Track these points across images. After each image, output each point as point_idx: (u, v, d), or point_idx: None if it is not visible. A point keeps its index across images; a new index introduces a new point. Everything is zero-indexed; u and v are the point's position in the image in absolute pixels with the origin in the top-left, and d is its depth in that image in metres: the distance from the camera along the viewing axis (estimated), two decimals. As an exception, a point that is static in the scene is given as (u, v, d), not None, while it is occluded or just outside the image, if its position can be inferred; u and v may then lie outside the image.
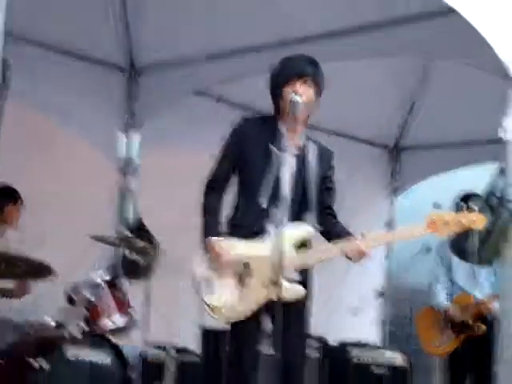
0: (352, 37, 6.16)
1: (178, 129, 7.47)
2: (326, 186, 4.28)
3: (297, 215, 4.14)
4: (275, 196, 3.88)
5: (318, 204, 4.19)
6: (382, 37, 6.02)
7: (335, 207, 4.37)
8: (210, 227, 4.17)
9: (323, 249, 4.13)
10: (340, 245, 4.08)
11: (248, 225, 4.11)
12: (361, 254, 4.05)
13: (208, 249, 4.12)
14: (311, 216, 4.16)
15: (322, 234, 4.23)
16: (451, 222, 4.01)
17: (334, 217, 4.30)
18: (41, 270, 5.60)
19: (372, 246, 4.08)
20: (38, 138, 6.76)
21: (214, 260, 4.10)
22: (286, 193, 3.98)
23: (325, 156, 4.29)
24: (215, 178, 4.27)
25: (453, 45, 5.55)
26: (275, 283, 3.75)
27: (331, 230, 4.21)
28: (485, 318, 6.37)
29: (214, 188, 4.26)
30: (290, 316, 3.91)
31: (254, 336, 4.08)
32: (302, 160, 4.19)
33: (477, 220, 4.04)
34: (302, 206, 4.16)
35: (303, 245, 4.11)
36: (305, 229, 4.12)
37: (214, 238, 4.12)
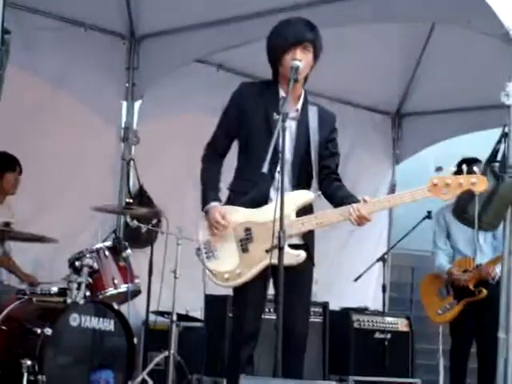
0: (353, 2, 6.12)
1: (179, 97, 7.46)
2: (330, 150, 4.24)
3: (298, 179, 4.13)
4: (276, 161, 3.86)
5: (321, 168, 4.18)
6: (383, 2, 5.99)
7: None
8: (208, 194, 4.17)
9: (324, 214, 4.11)
10: (341, 210, 4.07)
11: (249, 190, 4.10)
12: (362, 219, 4.03)
13: (207, 216, 4.12)
14: (313, 180, 4.15)
15: (327, 198, 4.21)
16: (452, 184, 3.98)
17: (339, 180, 4.25)
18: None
19: (373, 211, 4.06)
20: (38, 107, 6.75)
21: (213, 227, 4.10)
22: (287, 157, 3.98)
23: (326, 118, 4.26)
24: (214, 144, 4.26)
25: (455, 9, 5.52)
26: (276, 248, 3.74)
27: (335, 194, 4.17)
28: (486, 282, 6.39)
29: (212, 154, 4.25)
30: (292, 281, 3.92)
31: (256, 301, 4.09)
32: (302, 123, 4.16)
33: (477, 182, 4.00)
34: (304, 170, 4.15)
35: (305, 210, 4.10)
36: (306, 194, 4.11)
37: (212, 204, 4.12)
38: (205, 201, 4.16)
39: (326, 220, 4.08)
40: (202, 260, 4.12)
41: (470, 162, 5.92)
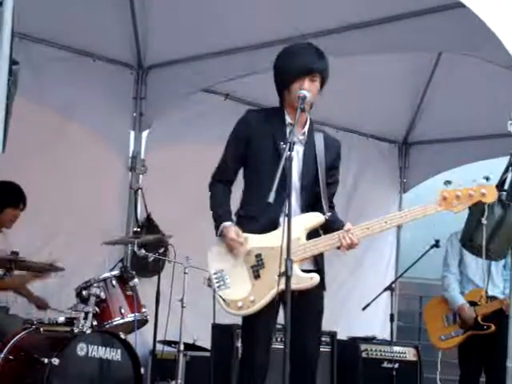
0: (361, 31, 6.16)
1: (187, 126, 7.49)
2: (331, 178, 4.25)
3: (307, 202, 4.12)
4: (284, 186, 3.85)
5: (325, 192, 4.18)
6: (390, 31, 6.03)
7: (345, 202, 4.30)
8: (220, 216, 4.14)
9: (315, 243, 4.09)
10: (330, 236, 4.06)
11: (257, 216, 4.09)
12: (350, 246, 4.03)
13: (223, 235, 4.09)
14: (321, 203, 4.13)
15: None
16: (462, 196, 3.96)
17: (332, 208, 4.26)
18: (47, 270, 5.64)
19: (367, 235, 4.03)
20: (46, 137, 6.78)
21: (231, 245, 4.07)
22: (295, 182, 3.98)
23: (332, 144, 4.27)
24: (221, 171, 4.25)
25: (462, 39, 5.55)
26: (287, 273, 3.72)
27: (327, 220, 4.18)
28: (496, 315, 6.34)
29: (220, 180, 4.24)
30: (303, 306, 3.92)
31: (265, 329, 4.07)
32: (309, 147, 4.17)
33: (487, 192, 3.98)
34: (312, 193, 4.14)
35: (315, 233, 4.09)
36: (316, 216, 4.09)
37: (226, 223, 4.09)
38: (218, 222, 4.13)
39: (315, 249, 4.06)
40: (214, 290, 4.09)
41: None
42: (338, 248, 4.05)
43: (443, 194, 3.97)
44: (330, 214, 4.12)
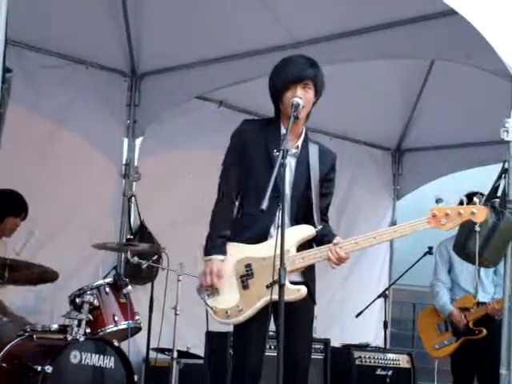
0: (353, 39, 6.17)
1: (180, 133, 7.49)
2: (325, 190, 4.24)
3: (297, 215, 4.12)
4: (276, 197, 3.85)
5: (317, 205, 4.17)
6: (383, 39, 6.04)
7: (338, 209, 4.30)
8: (213, 243, 4.12)
9: (303, 255, 4.09)
10: (318, 250, 4.06)
11: (250, 226, 4.10)
12: (338, 260, 4.03)
13: (206, 266, 4.10)
14: (313, 216, 4.13)
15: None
16: (451, 214, 3.95)
17: (326, 221, 4.25)
18: (43, 276, 5.62)
19: (354, 250, 4.04)
20: (39, 144, 6.77)
21: (207, 279, 4.08)
22: (287, 194, 3.98)
23: (327, 156, 4.26)
24: (226, 185, 4.20)
25: (455, 46, 5.56)
26: (277, 284, 3.73)
27: (319, 233, 4.17)
28: (486, 320, 6.35)
29: (225, 195, 4.19)
30: (293, 318, 3.90)
31: (257, 337, 4.07)
32: (302, 160, 4.17)
33: (477, 212, 3.96)
34: (303, 206, 4.14)
35: (303, 245, 4.09)
36: (307, 229, 4.10)
37: (213, 256, 4.09)
38: (208, 249, 4.13)
39: (305, 261, 4.06)
40: (203, 298, 4.11)
41: (473, 194, 5.88)
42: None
43: (433, 212, 3.97)
44: (320, 227, 4.11)
